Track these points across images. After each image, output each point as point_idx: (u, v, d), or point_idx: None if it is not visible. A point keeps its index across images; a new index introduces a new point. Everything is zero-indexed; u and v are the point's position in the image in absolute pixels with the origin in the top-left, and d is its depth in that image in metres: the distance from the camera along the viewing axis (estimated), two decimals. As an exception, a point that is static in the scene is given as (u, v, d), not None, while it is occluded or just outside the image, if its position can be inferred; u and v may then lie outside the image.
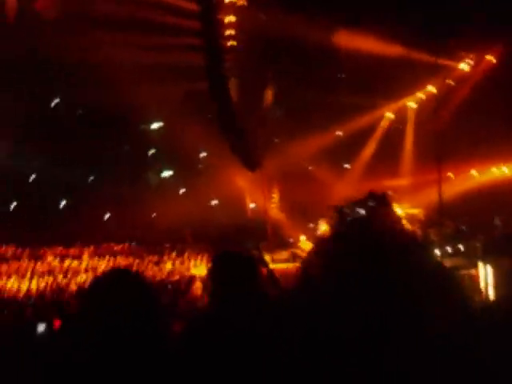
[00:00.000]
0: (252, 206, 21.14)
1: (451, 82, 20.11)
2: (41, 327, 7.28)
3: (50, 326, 7.51)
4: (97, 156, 22.07)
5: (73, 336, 2.83)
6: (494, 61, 19.02)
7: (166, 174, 24.35)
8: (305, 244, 17.43)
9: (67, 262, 17.03)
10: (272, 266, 15.73)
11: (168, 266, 16.82)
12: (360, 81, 19.85)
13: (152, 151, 24.60)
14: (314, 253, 1.84)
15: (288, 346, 2.30)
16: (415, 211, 18.77)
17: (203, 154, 23.34)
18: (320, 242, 1.84)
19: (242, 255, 3.61)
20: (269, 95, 19.24)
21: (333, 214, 11.82)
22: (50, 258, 17.35)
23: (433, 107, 17.52)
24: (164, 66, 17.75)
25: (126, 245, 19.50)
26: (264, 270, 15.02)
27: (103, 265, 16.94)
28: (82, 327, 2.71)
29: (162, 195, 22.11)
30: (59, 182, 22.03)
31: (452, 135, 17.59)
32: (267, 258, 16.72)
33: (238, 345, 2.93)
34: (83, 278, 15.17)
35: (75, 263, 17.14)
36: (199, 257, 17.13)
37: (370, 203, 8.35)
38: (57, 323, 8.42)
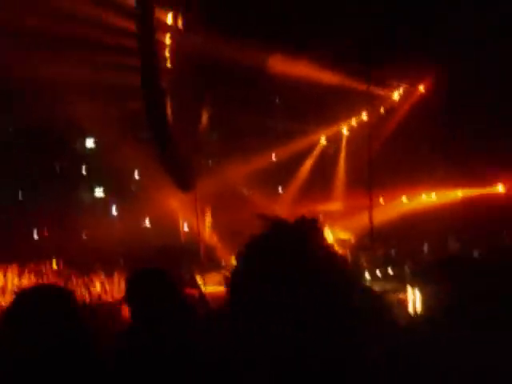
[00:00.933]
0: (185, 228, 21.01)
1: (383, 111, 20.67)
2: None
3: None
4: (27, 172, 21.58)
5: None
6: (424, 91, 19.64)
7: (99, 193, 23.98)
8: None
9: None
10: (204, 288, 15.70)
11: (97, 288, 16.46)
12: (295, 106, 20.16)
13: (85, 170, 24.21)
14: (239, 259, 1.83)
15: (211, 355, 2.30)
16: (346, 236, 19.09)
17: (137, 175, 23.12)
18: (247, 249, 1.83)
19: (156, 271, 3.61)
20: (204, 118, 19.27)
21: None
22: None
23: (365, 134, 17.91)
24: (100, 84, 17.55)
25: (55, 264, 18.99)
26: (195, 292, 14.91)
27: (29, 285, 16.41)
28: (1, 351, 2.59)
29: (93, 215, 21.74)
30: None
31: (383, 162, 18.00)
32: (199, 280, 16.67)
33: (163, 359, 2.92)
34: (7, 299, 14.66)
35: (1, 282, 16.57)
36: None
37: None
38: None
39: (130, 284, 3.48)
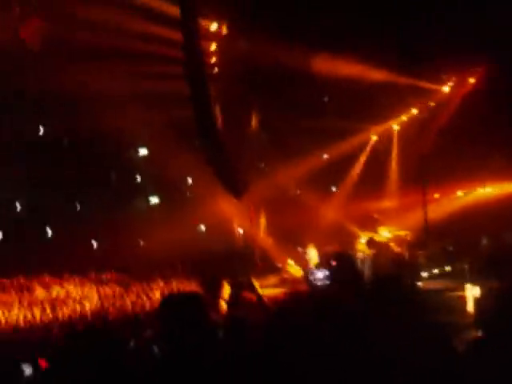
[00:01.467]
0: (240, 232, 21.14)
1: (434, 104, 20.35)
2: (27, 370, 6.96)
3: (35, 367, 7.35)
4: (83, 184, 22.06)
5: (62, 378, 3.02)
6: (475, 82, 19.27)
7: (153, 201, 24.33)
8: (293, 268, 17.42)
9: (55, 293, 16.84)
10: (261, 291, 15.75)
11: (157, 295, 16.69)
12: (344, 105, 20.03)
13: (139, 178, 24.61)
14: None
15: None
16: (402, 233, 18.86)
17: (190, 182, 23.38)
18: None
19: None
20: (253, 121, 19.37)
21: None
22: (37, 289, 17.17)
23: (417, 130, 17.70)
24: (150, 93, 17.85)
25: (114, 273, 19.35)
26: (253, 296, 14.98)
27: (92, 294, 16.78)
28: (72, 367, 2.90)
29: (149, 223, 22.07)
30: (46, 210, 21.96)
31: (436, 157, 17.75)
32: (256, 283, 16.71)
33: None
34: (71, 309, 15.05)
35: (63, 293, 16.96)
36: (187, 283, 17.04)
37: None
38: (43, 364, 8.24)
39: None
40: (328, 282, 10.51)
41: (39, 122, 21.95)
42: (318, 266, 12.92)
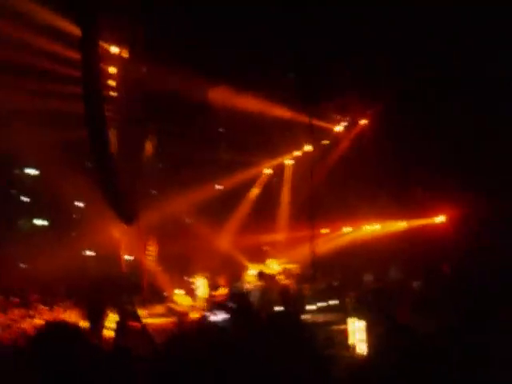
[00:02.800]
0: (127, 258, 20.75)
1: (327, 143, 21.02)
2: None
3: None
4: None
5: None
6: (366, 123, 20.09)
7: (39, 222, 23.49)
8: (180, 297, 17.28)
9: None
10: (148, 320, 15.47)
11: (38, 321, 15.97)
12: (239, 137, 20.32)
13: (25, 197, 23.72)
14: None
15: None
16: (291, 266, 19.22)
17: (79, 204, 22.78)
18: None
19: (66, 326, 3.62)
20: (148, 147, 19.22)
21: None
22: None
23: (309, 166, 18.17)
24: (43, 112, 17.34)
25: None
26: (138, 325, 14.68)
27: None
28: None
29: (33, 244, 21.24)
30: None
31: (326, 193, 18.27)
32: (142, 312, 16.41)
33: None
34: None
35: None
36: (69, 311, 16.45)
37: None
38: None
39: (37, 336, 3.47)
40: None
41: None
42: (217, 308, 12.92)
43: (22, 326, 15.36)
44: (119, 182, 13.58)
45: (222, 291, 17.82)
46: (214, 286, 18.39)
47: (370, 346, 10.18)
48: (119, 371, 4.08)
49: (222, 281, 18.58)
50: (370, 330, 10.50)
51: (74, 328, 3.55)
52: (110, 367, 4.08)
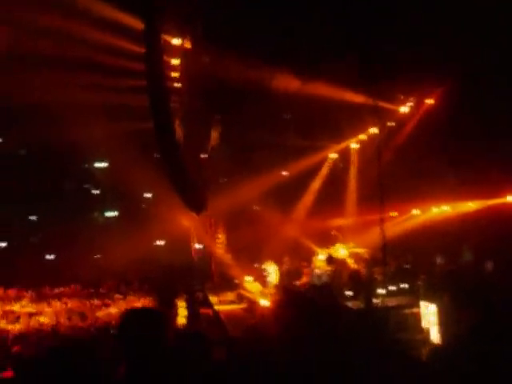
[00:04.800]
0: (197, 246, 21.03)
1: (393, 124, 20.66)
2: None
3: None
4: (39, 193, 21.71)
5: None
6: (433, 103, 19.64)
7: (111, 213, 24.08)
8: (250, 284, 17.40)
9: (8, 307, 16.46)
10: (218, 307, 15.69)
11: (112, 309, 16.44)
12: (304, 123, 20.22)
13: (96, 190, 24.34)
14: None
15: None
16: (360, 250, 19.06)
17: (148, 195, 23.22)
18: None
19: (149, 312, 3.71)
20: (214, 136, 19.38)
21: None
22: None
23: (375, 149, 17.91)
24: (110, 105, 17.71)
25: (69, 287, 19.04)
26: (210, 312, 14.90)
27: (46, 308, 16.48)
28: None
29: (106, 235, 21.79)
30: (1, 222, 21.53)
31: (394, 176, 17.97)
32: (213, 299, 16.66)
33: None
34: (25, 324, 14.73)
35: (16, 307, 16.60)
36: (142, 299, 16.88)
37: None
38: (8, 374, 8.10)
39: (120, 323, 3.55)
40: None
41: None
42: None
43: (98, 314, 15.87)
44: (187, 172, 13.77)
45: (305, 279, 17.87)
46: (295, 274, 18.42)
47: (442, 331, 10.01)
48: (197, 354, 4.16)
49: (305, 269, 18.63)
50: (442, 313, 10.30)
51: (159, 313, 3.67)
52: (188, 350, 4.17)
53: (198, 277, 17.98)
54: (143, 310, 3.81)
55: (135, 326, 3.43)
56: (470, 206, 19.68)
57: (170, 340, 3.59)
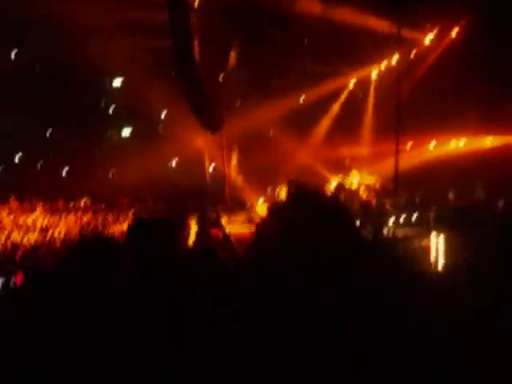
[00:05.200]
0: (211, 167, 21.12)
1: (414, 54, 20.23)
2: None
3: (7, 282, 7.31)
4: (55, 110, 21.69)
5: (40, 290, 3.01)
6: (458, 35, 19.14)
7: (126, 131, 24.10)
8: (261, 207, 17.52)
9: (20, 219, 16.70)
10: (229, 228, 15.85)
11: (126, 225, 16.64)
12: (324, 48, 19.83)
13: (113, 107, 24.27)
14: (268, 213, 1.91)
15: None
16: (372, 180, 19.04)
17: (164, 113, 23.16)
18: (275, 205, 1.92)
19: (158, 220, 3.62)
20: (233, 58, 19.09)
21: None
22: (3, 214, 17.02)
23: (395, 78, 17.61)
24: (129, 22, 17.45)
25: (83, 202, 19.27)
26: (220, 233, 15.04)
27: (59, 222, 16.72)
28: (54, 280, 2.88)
29: (120, 154, 21.90)
30: (16, 135, 21.65)
31: (413, 107, 17.73)
32: (224, 219, 16.82)
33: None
34: (37, 236, 14.97)
35: (29, 220, 16.84)
36: (156, 217, 17.09)
37: None
38: (19, 278, 8.27)
39: (129, 230, 3.49)
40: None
41: (12, 46, 21.42)
42: None
43: (112, 230, 16.11)
44: (204, 91, 13.66)
45: None
46: None
47: (447, 260, 10.08)
48: (206, 267, 4.18)
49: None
50: (447, 245, 10.36)
51: (169, 221, 3.60)
52: (197, 263, 4.19)
53: (211, 198, 18.10)
54: (151, 219, 3.71)
55: (142, 233, 3.36)
56: (488, 141, 19.46)
57: (181, 252, 3.55)
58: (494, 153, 18.42)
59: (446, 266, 10.22)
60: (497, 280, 2.88)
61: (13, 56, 21.69)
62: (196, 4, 15.26)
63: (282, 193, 17.59)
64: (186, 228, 14.43)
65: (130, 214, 17.34)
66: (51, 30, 18.11)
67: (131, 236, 3.44)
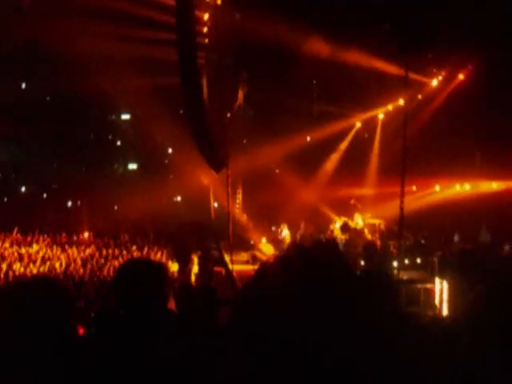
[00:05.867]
0: (215, 205, 21.11)
1: (421, 97, 20.34)
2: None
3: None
4: (63, 142, 21.85)
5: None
6: (464, 78, 19.27)
7: (132, 166, 24.23)
8: (265, 246, 17.45)
9: (23, 250, 16.63)
10: (231, 267, 15.77)
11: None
12: (332, 89, 19.98)
13: (119, 142, 24.43)
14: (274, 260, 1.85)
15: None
16: (376, 221, 18.97)
17: (170, 150, 23.27)
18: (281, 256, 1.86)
19: (151, 264, 3.41)
20: (240, 96, 19.23)
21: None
22: (6, 245, 16.97)
23: (401, 120, 17.70)
24: (137, 58, 17.62)
25: (86, 236, 19.22)
26: (223, 270, 14.94)
27: (61, 254, 16.63)
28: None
29: (125, 187, 21.95)
30: (22, 166, 21.76)
31: (418, 150, 17.76)
32: (227, 258, 16.75)
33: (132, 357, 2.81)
34: (39, 268, 14.88)
35: (32, 251, 16.76)
36: (159, 253, 17.01)
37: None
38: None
39: (118, 272, 3.35)
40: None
41: (22, 78, 21.66)
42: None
43: (114, 264, 16.00)
44: (210, 129, 13.71)
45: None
46: (310, 240, 18.43)
47: (451, 307, 9.96)
48: (205, 307, 4.09)
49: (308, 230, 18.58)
50: (452, 290, 10.23)
51: (158, 265, 3.44)
52: (196, 304, 4.09)
53: (215, 235, 18.05)
54: (141, 262, 3.52)
55: (130, 277, 3.17)
56: (493, 186, 19.43)
57: (168, 297, 3.35)
58: (498, 197, 18.37)
59: (450, 310, 10.11)
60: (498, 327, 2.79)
61: (23, 86, 21.94)
62: (205, 42, 15.46)
63: (287, 237, 17.59)
64: (189, 264, 14.35)
65: (133, 248, 17.28)
66: (63, 63, 18.35)
67: (117, 279, 3.28)
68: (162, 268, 3.28)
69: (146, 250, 17.19)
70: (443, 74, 19.89)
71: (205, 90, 13.93)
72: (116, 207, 22.83)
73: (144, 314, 2.99)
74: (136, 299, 3.04)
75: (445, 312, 10.39)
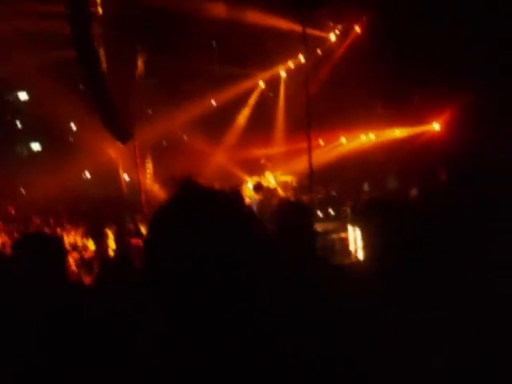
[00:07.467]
0: (126, 178, 20.84)
1: (320, 52, 20.62)
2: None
3: None
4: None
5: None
6: (360, 31, 19.63)
7: (35, 146, 23.47)
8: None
9: None
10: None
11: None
12: (233, 50, 19.91)
13: (20, 123, 23.58)
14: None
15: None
16: (288, 178, 19.31)
17: (73, 126, 22.68)
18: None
19: (46, 238, 3.40)
20: (140, 65, 18.88)
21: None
22: None
23: (303, 77, 17.91)
24: (31, 34, 16.96)
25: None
26: (140, 242, 14.83)
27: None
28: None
29: (31, 169, 21.30)
30: None
31: (321, 104, 18.05)
32: (143, 229, 16.63)
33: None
34: None
35: None
36: (73, 232, 16.68)
37: None
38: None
39: (13, 247, 3.31)
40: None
41: None
42: None
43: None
44: (112, 100, 13.46)
45: None
46: None
47: (366, 252, 10.34)
48: (121, 280, 4.11)
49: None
50: (366, 236, 10.62)
51: (52, 238, 3.42)
52: (112, 277, 4.12)
53: (127, 208, 17.85)
54: (34, 236, 3.43)
55: (22, 254, 3.14)
56: (395, 133, 20.04)
57: (66, 274, 3.34)
58: (402, 144, 18.99)
59: (365, 255, 10.51)
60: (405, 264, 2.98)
61: None
62: (99, 10, 15.03)
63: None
64: (103, 239, 14.22)
65: (46, 230, 16.83)
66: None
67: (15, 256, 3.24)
68: (55, 241, 3.35)
69: (58, 230, 16.82)
70: (341, 26, 20.20)
71: (103, 62, 13.61)
72: (23, 191, 22.14)
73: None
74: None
75: (361, 258, 10.79)
